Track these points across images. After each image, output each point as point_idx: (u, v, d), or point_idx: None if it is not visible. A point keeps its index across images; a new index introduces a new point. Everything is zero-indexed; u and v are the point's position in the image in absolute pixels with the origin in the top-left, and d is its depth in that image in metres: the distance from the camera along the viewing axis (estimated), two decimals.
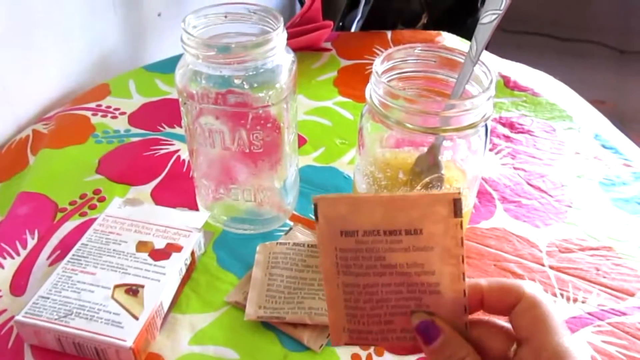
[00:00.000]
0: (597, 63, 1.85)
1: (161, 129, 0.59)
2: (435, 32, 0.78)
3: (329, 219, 0.27)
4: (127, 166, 0.53)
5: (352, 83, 0.68)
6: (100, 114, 0.61)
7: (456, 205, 0.25)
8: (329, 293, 0.28)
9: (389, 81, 0.39)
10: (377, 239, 0.27)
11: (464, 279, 0.27)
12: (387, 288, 0.27)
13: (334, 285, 0.28)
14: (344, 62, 0.72)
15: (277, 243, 0.44)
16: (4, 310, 0.40)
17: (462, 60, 0.38)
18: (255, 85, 0.39)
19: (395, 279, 0.27)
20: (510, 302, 0.27)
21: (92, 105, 0.62)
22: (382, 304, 0.28)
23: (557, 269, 0.44)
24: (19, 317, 0.36)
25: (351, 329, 0.29)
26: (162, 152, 0.56)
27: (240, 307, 0.40)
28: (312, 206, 0.27)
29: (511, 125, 0.60)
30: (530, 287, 0.27)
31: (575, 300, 0.42)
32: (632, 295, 0.42)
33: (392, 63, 0.40)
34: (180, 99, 0.41)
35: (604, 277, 0.43)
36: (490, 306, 0.28)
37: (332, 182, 0.52)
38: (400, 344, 0.29)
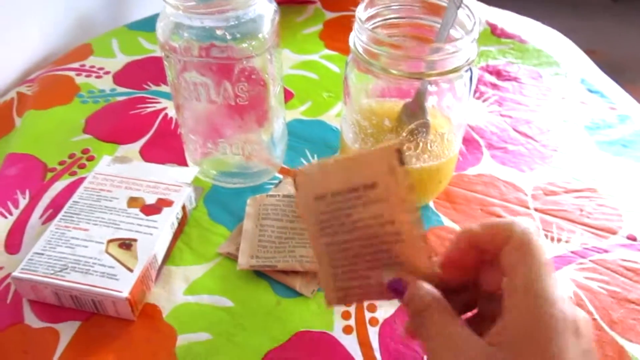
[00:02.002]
0: (589, 11, 1.82)
1: (147, 87, 0.59)
2: None
3: (304, 187, 0.30)
4: (114, 125, 0.53)
5: (338, 36, 0.67)
6: (84, 74, 0.60)
7: (400, 153, 0.27)
8: (316, 254, 0.31)
9: (372, 29, 0.39)
10: (343, 198, 0.29)
11: (420, 225, 0.28)
12: (359, 242, 0.30)
13: (318, 246, 0.31)
14: (329, 15, 0.71)
15: (267, 195, 0.45)
16: (1, 268, 0.40)
17: (446, 5, 0.38)
18: (238, 36, 0.39)
19: (363, 232, 0.29)
20: (500, 241, 0.27)
21: (76, 65, 0.62)
22: (357, 260, 0.30)
23: (542, 211, 0.45)
24: (15, 273, 0.37)
25: (337, 286, 0.32)
26: (148, 110, 0.55)
27: (232, 257, 0.41)
28: (293, 180, 0.30)
29: (498, 73, 0.60)
30: (520, 227, 0.27)
31: (559, 240, 0.43)
32: (614, 233, 0.43)
33: (375, 10, 0.39)
34: (163, 53, 0.41)
35: (588, 217, 0.44)
36: (483, 248, 0.28)
37: (320, 135, 0.52)
38: (380, 298, 0.32)
